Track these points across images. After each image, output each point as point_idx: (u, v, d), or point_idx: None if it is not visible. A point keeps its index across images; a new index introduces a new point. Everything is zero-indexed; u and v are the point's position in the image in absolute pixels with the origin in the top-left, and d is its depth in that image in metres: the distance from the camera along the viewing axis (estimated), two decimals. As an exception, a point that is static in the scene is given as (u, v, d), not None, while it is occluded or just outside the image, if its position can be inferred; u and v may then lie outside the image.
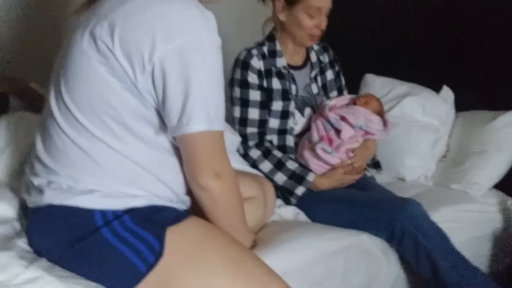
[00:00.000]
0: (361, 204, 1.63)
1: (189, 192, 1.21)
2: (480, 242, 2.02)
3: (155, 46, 1.01)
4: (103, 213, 1.06)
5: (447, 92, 2.35)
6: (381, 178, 2.19)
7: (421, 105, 2.25)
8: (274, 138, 1.80)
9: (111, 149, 1.08)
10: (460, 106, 2.35)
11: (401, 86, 2.33)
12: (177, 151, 1.15)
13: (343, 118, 1.75)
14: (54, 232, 1.08)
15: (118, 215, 1.07)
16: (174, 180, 1.17)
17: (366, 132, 1.77)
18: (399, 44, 2.59)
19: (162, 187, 1.15)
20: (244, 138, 1.76)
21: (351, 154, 1.73)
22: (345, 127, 1.73)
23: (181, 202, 1.21)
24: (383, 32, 2.66)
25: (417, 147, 2.17)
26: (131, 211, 1.08)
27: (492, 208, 2.05)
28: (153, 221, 1.09)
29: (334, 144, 1.72)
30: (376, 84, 2.39)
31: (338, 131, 1.73)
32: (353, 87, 2.44)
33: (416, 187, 2.10)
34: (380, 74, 2.47)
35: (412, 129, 2.20)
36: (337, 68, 1.97)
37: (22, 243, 1.13)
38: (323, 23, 1.76)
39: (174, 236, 1.08)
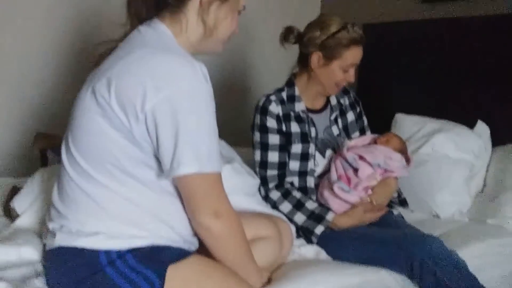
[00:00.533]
0: (381, 241, 1.62)
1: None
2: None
3: (146, 97, 1.10)
4: (107, 253, 1.15)
5: (481, 127, 2.31)
6: (415, 216, 2.17)
7: (453, 141, 2.22)
8: (295, 180, 1.85)
9: (114, 194, 1.17)
10: (499, 140, 2.29)
11: (431, 123, 2.32)
12: (180, 193, 1.22)
13: (361, 157, 1.77)
14: (65, 272, 1.17)
15: (121, 254, 1.15)
16: (177, 222, 1.23)
17: (386, 170, 1.77)
18: (434, 81, 2.60)
19: (166, 228, 1.21)
20: (265, 181, 1.82)
21: (370, 192, 1.74)
22: (362, 166, 1.75)
23: (188, 243, 1.27)
24: (417, 69, 2.67)
25: (449, 183, 2.13)
26: (134, 250, 1.16)
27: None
28: (155, 260, 1.16)
29: (352, 182, 1.74)
30: (406, 123, 2.39)
31: (356, 170, 1.75)
32: (386, 127, 2.46)
33: (449, 223, 2.06)
34: (415, 113, 2.47)
35: (444, 165, 2.17)
36: (358, 109, 2.01)
37: (40, 282, 1.24)
38: (353, 77, 1.84)
39: (174, 273, 1.15)
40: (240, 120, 1.88)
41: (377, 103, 2.84)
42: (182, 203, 1.22)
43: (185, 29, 1.24)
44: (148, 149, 1.16)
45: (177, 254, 1.19)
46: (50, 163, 1.79)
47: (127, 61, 1.16)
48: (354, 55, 1.79)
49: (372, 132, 2.05)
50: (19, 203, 1.70)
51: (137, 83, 1.11)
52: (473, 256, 1.81)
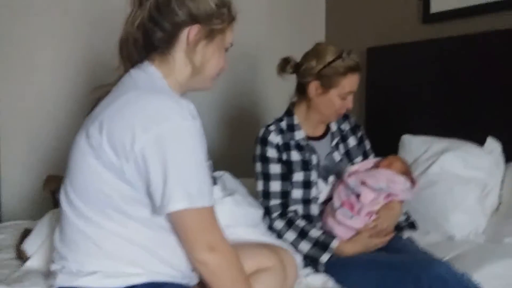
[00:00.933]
0: (388, 266, 1.60)
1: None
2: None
3: (134, 137, 1.13)
4: None
5: (492, 144, 2.26)
6: (429, 238, 2.12)
7: (462, 159, 2.18)
8: (299, 208, 1.84)
9: (109, 233, 1.20)
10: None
11: (439, 143, 2.29)
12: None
13: (363, 182, 1.76)
14: None
15: None
16: (174, 258, 1.24)
17: (389, 194, 1.75)
18: (442, 101, 2.57)
19: (163, 264, 1.23)
20: (268, 210, 1.82)
21: (374, 217, 1.72)
22: (364, 191, 1.73)
23: (188, 278, 1.28)
24: (423, 90, 2.66)
25: (462, 203, 2.08)
26: None
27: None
28: None
29: (355, 208, 1.72)
30: (414, 144, 2.36)
31: (358, 195, 1.74)
32: (395, 149, 2.44)
33: (465, 244, 2.00)
34: (424, 134, 2.44)
35: (455, 185, 2.12)
36: (359, 134, 2.00)
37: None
38: (351, 103, 1.86)
39: None
40: (250, 151, 1.92)
41: (385, 126, 2.84)
42: (178, 238, 1.24)
43: (173, 69, 1.28)
44: (141, 188, 1.19)
45: (175, 289, 1.20)
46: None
47: (118, 104, 1.20)
48: (351, 82, 1.81)
49: (380, 155, 2.04)
50: (29, 245, 1.74)
51: (126, 124, 1.15)
52: (491, 278, 1.76)
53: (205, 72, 1.31)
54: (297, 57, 1.91)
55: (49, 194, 2.17)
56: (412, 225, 1.93)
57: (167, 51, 1.27)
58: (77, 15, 2.66)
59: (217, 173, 2.04)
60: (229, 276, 1.24)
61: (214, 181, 1.84)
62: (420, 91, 2.65)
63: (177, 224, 1.19)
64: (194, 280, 1.31)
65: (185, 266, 1.27)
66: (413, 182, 1.86)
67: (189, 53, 1.27)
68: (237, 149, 2.95)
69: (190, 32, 1.26)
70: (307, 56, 1.86)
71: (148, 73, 1.27)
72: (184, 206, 1.14)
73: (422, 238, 2.06)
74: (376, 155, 2.06)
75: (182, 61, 1.28)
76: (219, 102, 3.03)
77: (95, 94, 1.34)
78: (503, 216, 2.09)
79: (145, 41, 1.28)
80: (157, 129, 1.13)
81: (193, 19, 1.25)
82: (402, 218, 1.91)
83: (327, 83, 1.80)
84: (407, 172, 1.87)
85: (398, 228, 1.89)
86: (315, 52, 1.85)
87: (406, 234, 1.91)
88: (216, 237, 1.21)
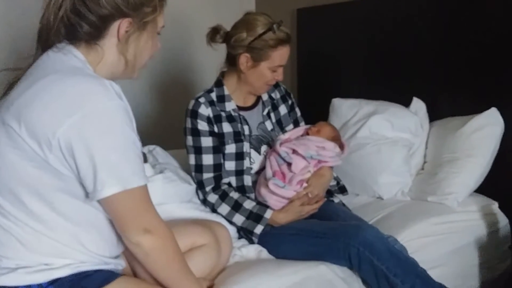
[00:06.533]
0: (318, 234, 1.64)
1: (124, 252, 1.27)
2: (467, 252, 1.99)
3: (57, 122, 1.07)
4: None
5: (417, 104, 2.33)
6: (359, 199, 2.21)
7: (389, 121, 2.25)
8: (232, 180, 1.84)
9: (28, 227, 1.14)
10: (439, 115, 2.32)
11: (367, 106, 2.34)
12: (100, 216, 1.20)
13: (294, 151, 1.78)
14: None
15: (43, 287, 1.13)
16: (100, 247, 1.21)
17: (319, 161, 1.78)
18: (371, 63, 2.61)
19: (87, 255, 1.19)
20: (201, 184, 1.81)
21: (305, 185, 1.75)
22: (295, 160, 1.75)
23: (113, 264, 1.26)
24: (353, 52, 2.68)
25: (389, 164, 2.16)
26: (56, 281, 1.14)
27: (472, 215, 2.02)
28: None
29: (287, 177, 1.74)
30: (343, 107, 2.40)
31: (289, 164, 1.75)
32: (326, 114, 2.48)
33: (392, 204, 2.09)
34: (355, 97, 2.48)
35: (382, 147, 2.20)
36: (290, 101, 2.01)
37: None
38: (281, 75, 1.84)
39: None
40: (183, 120, 1.88)
41: (317, 89, 2.86)
42: (100, 227, 1.21)
43: (103, 60, 1.21)
44: (68, 176, 1.13)
45: (102, 279, 1.18)
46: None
47: (36, 88, 1.13)
48: (281, 55, 1.79)
49: (315, 119, 2.06)
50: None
51: (46, 110, 1.09)
52: (416, 237, 1.87)
53: (138, 62, 1.26)
54: (228, 23, 1.86)
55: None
56: (342, 189, 1.99)
57: (94, 42, 1.20)
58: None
59: (148, 148, 2.01)
60: (165, 258, 1.23)
61: (145, 158, 1.80)
62: (351, 54, 2.68)
63: (110, 208, 1.15)
64: (121, 265, 1.30)
65: (111, 253, 1.24)
66: (342, 147, 1.89)
67: (121, 48, 1.21)
68: (169, 118, 2.89)
69: (120, 27, 1.18)
70: (237, 27, 1.82)
71: (68, 55, 1.19)
72: (118, 189, 1.10)
73: (352, 200, 2.14)
74: (310, 119, 2.09)
75: (115, 55, 1.21)
76: (151, 70, 2.93)
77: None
78: (426, 175, 2.19)
79: (69, 33, 1.19)
80: (82, 113, 1.07)
81: (122, 12, 1.17)
82: (332, 183, 1.95)
83: (257, 56, 1.77)
84: (336, 137, 1.91)
85: (329, 192, 1.95)
86: (245, 22, 1.80)
87: (337, 198, 1.96)
88: (151, 218, 1.19)
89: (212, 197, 1.79)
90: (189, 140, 1.83)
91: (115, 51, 1.21)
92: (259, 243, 1.74)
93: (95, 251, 1.20)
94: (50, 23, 1.19)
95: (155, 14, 1.23)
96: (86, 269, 1.18)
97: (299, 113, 2.04)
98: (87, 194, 1.14)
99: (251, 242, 1.76)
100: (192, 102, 1.84)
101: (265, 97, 1.95)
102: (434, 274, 1.61)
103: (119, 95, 1.13)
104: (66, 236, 1.17)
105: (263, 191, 1.77)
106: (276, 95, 1.98)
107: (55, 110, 1.08)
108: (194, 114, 1.81)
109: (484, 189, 2.10)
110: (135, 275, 1.36)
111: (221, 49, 1.88)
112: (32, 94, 1.12)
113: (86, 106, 1.08)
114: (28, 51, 1.26)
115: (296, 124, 2.00)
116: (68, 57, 1.18)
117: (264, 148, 1.90)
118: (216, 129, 1.82)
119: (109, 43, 1.20)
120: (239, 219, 1.75)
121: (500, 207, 2.06)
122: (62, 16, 1.17)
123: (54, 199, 1.15)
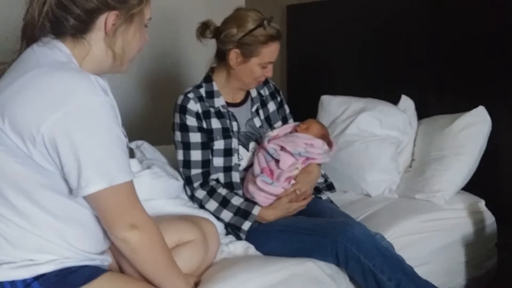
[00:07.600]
0: (306, 231, 1.64)
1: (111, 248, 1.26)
2: (454, 249, 2.00)
3: (41, 119, 1.06)
4: (12, 284, 1.12)
5: (406, 102, 2.34)
6: (347, 197, 2.21)
7: (377, 118, 2.25)
8: (220, 176, 1.83)
9: (12, 223, 1.13)
10: (427, 113, 2.33)
11: (356, 103, 2.35)
12: (86, 212, 1.18)
13: (282, 148, 1.77)
14: None
15: (27, 283, 1.13)
16: (85, 243, 1.21)
17: (307, 158, 1.78)
18: (361, 60, 2.62)
19: (71, 251, 1.18)
20: (189, 180, 1.80)
21: (293, 182, 1.75)
22: (283, 156, 1.75)
23: (99, 260, 1.25)
24: (344, 49, 2.68)
25: (377, 161, 2.17)
26: (41, 277, 1.13)
27: (460, 213, 2.03)
28: (65, 283, 1.14)
29: (274, 174, 1.74)
30: (332, 105, 2.41)
31: (277, 161, 1.75)
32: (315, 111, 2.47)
33: (380, 201, 2.10)
34: (344, 94, 2.47)
35: (370, 144, 2.20)
36: (279, 98, 2.00)
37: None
38: (271, 72, 1.83)
39: None
40: (171, 115, 1.87)
41: (306, 87, 2.86)
42: (86, 223, 1.20)
43: (89, 54, 1.19)
44: (53, 172, 1.12)
45: (88, 275, 1.17)
46: None
47: (20, 83, 1.11)
48: (271, 51, 1.78)
49: (303, 116, 2.05)
50: None
51: (30, 106, 1.07)
52: (403, 234, 1.87)
53: (126, 55, 1.24)
54: (218, 19, 1.85)
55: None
56: (330, 187, 1.99)
57: (80, 36, 1.18)
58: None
59: (136, 143, 1.99)
60: (151, 254, 1.22)
61: (132, 153, 1.79)
62: (340, 51, 2.68)
63: (96, 204, 1.14)
64: (107, 261, 1.29)
65: (96, 249, 1.23)
66: (330, 144, 1.89)
67: (109, 41, 1.19)
68: (158, 113, 2.87)
69: (107, 20, 1.17)
70: (227, 22, 1.81)
71: (54, 49, 1.17)
72: (103, 186, 1.09)
73: (340, 197, 2.15)
74: (299, 116, 2.08)
75: (102, 49, 1.20)
76: (139, 65, 2.91)
77: None
78: (414, 172, 2.20)
79: (54, 28, 1.18)
80: (66, 108, 1.06)
81: (108, 5, 1.16)
82: (320, 180, 1.95)
83: (247, 52, 1.76)
84: (324, 134, 1.91)
85: (317, 189, 1.95)
86: (236, 18, 1.79)
87: (325, 195, 1.96)
88: (137, 214, 1.18)
89: (200, 193, 1.78)
90: (178, 135, 1.82)
91: (102, 45, 1.20)
92: (247, 239, 1.73)
93: (80, 247, 1.19)
94: (34, 19, 1.17)
95: (142, 6, 1.22)
96: (71, 265, 1.17)
97: (287, 110, 2.03)
98: (71, 191, 1.13)
99: (238, 238, 1.75)
100: (181, 97, 1.83)
101: (254, 93, 1.94)
102: (421, 271, 1.61)
103: (104, 90, 1.12)
104: (50, 232, 1.15)
105: (251, 187, 1.76)
106: (265, 92, 1.97)
107: (39, 106, 1.07)
108: (183, 110, 1.80)
109: (471, 187, 2.12)
110: (121, 270, 1.35)
111: (210, 45, 1.87)
112: (16, 89, 1.11)
113: (71, 102, 1.07)
114: (11, 47, 1.24)
115: (284, 121, 2.00)
116: (53, 51, 1.17)
117: (252, 144, 1.89)
118: (204, 125, 1.81)
119: (96, 37, 1.19)
120: (226, 215, 1.74)
121: (486, 205, 2.08)
122: (47, 11, 1.16)
123: (38, 195, 1.14)
